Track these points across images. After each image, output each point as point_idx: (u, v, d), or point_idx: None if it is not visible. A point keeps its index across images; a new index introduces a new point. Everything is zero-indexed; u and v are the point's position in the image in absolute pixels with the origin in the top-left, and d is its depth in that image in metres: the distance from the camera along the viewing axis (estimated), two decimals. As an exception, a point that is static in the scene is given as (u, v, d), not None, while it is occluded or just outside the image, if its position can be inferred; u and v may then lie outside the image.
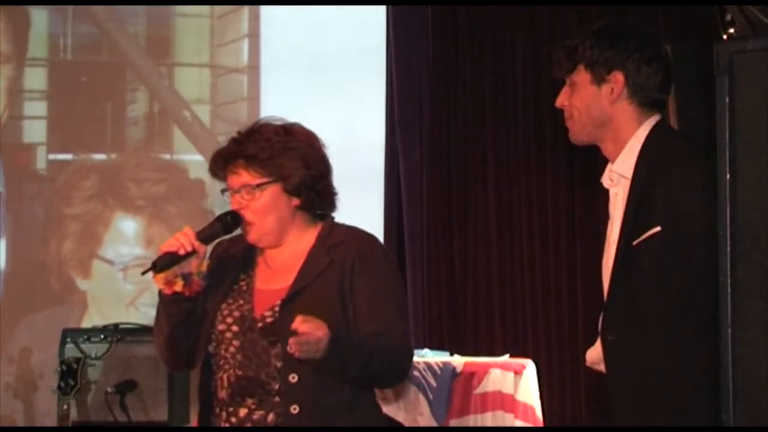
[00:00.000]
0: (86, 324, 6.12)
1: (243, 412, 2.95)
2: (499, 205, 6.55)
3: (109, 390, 4.95)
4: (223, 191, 3.07)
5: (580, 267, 6.39)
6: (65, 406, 4.85)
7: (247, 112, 6.55)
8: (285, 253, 3.05)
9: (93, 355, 5.07)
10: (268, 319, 2.96)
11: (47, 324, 6.16)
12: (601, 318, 2.99)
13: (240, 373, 2.95)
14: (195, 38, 6.66)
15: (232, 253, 3.12)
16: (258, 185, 2.99)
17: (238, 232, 3.09)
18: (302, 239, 3.04)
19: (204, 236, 3.01)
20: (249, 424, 2.94)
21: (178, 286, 2.96)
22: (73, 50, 6.66)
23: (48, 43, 6.64)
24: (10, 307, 6.35)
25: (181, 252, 2.94)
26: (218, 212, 3.10)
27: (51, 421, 5.27)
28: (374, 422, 3.04)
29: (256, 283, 3.06)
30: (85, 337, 5.14)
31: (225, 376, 2.98)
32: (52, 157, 6.58)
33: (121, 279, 6.43)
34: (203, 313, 3.03)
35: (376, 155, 6.58)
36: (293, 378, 2.92)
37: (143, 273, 2.99)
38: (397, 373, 3.05)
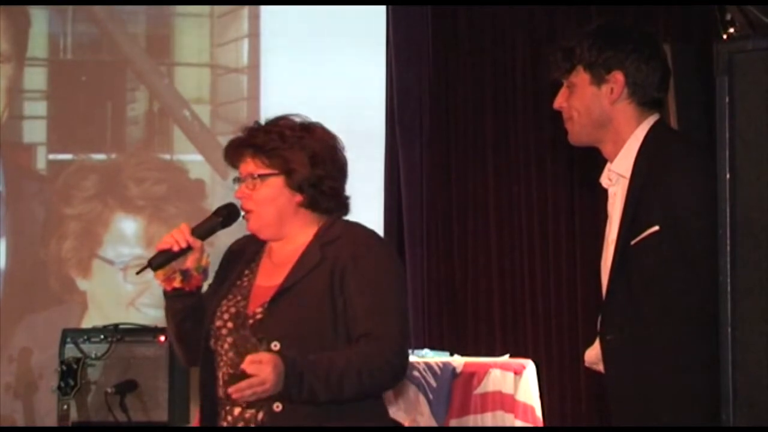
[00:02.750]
0: (86, 324, 6.12)
1: (237, 410, 2.94)
2: (499, 204, 6.54)
3: (109, 390, 4.95)
4: (234, 180, 3.05)
5: (580, 267, 6.39)
6: (65, 407, 4.85)
7: (247, 112, 6.55)
8: (286, 248, 3.02)
9: (93, 356, 5.06)
10: (258, 316, 2.93)
11: (47, 324, 6.15)
12: (599, 318, 2.99)
13: (231, 371, 2.91)
14: (195, 38, 6.65)
15: (245, 248, 3.11)
16: (260, 176, 2.98)
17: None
18: (302, 235, 3.00)
19: (201, 231, 3.05)
20: (241, 424, 2.92)
21: (177, 282, 3.02)
22: (73, 50, 6.66)
23: (48, 43, 6.63)
24: (10, 307, 6.34)
25: (176, 249, 2.99)
26: (219, 212, 3.11)
27: (51, 421, 5.27)
28: (373, 421, 2.96)
29: (257, 279, 3.04)
30: (85, 337, 5.14)
31: (221, 374, 2.97)
32: (52, 157, 6.58)
33: (121, 279, 6.42)
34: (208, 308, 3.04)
35: (376, 155, 6.57)
36: None
37: (138, 272, 3.05)
38: (387, 379, 2.92)
